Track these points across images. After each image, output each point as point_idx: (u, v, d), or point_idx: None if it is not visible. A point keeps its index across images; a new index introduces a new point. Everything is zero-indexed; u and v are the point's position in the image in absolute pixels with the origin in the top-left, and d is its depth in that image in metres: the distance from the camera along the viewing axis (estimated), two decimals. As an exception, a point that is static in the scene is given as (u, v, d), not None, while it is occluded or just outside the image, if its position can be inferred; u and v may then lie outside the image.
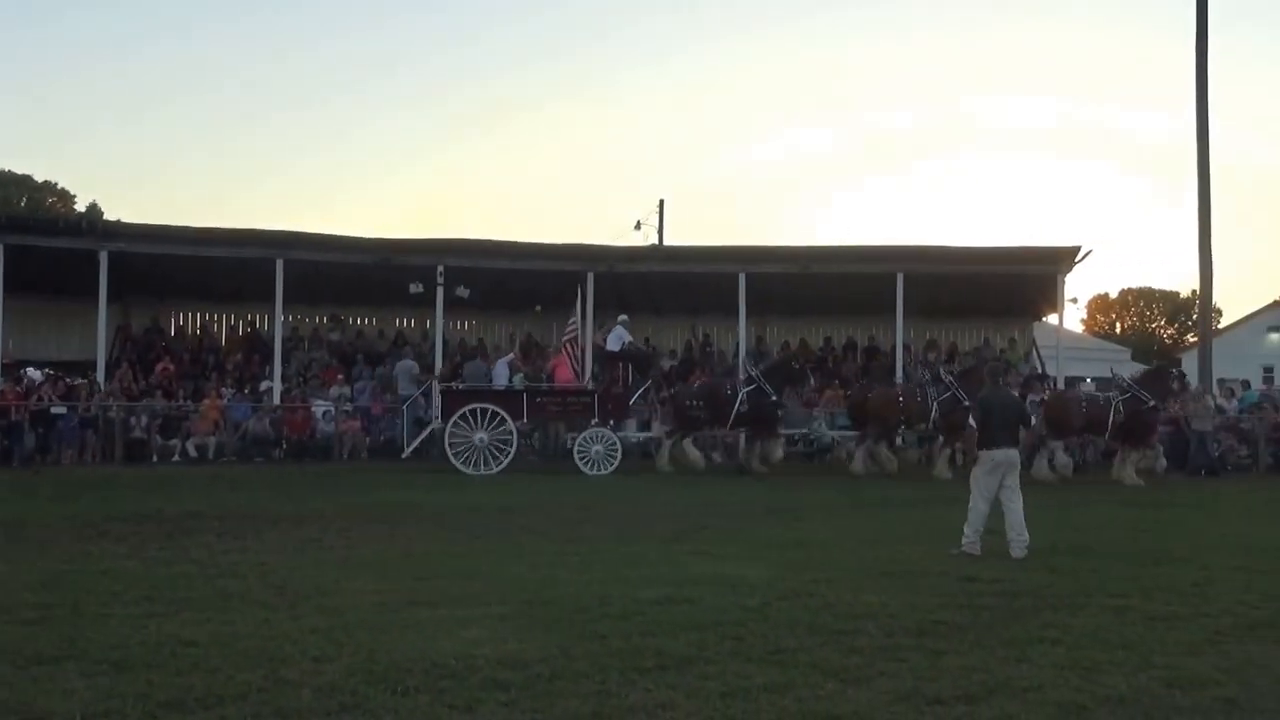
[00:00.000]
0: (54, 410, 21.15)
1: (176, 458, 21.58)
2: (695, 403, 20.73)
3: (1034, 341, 28.65)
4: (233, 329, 28.06)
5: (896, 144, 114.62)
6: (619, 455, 19.71)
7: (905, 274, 24.37)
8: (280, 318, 24.36)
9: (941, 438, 20.23)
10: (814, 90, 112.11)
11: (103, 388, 22.30)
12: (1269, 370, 43.97)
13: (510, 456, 19.42)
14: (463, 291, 24.15)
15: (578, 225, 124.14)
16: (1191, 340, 56.18)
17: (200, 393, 23.37)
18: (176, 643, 6.45)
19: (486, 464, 19.22)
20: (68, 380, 22.14)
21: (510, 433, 19.54)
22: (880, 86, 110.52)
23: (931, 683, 5.82)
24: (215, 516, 12.49)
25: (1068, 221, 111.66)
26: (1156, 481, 18.83)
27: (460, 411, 19.48)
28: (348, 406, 23.53)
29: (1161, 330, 79.54)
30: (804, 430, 22.96)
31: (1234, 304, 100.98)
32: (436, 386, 21.21)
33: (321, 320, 27.97)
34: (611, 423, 20.27)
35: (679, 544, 10.78)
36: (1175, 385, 20.50)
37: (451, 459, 19.21)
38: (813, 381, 22.40)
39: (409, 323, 28.29)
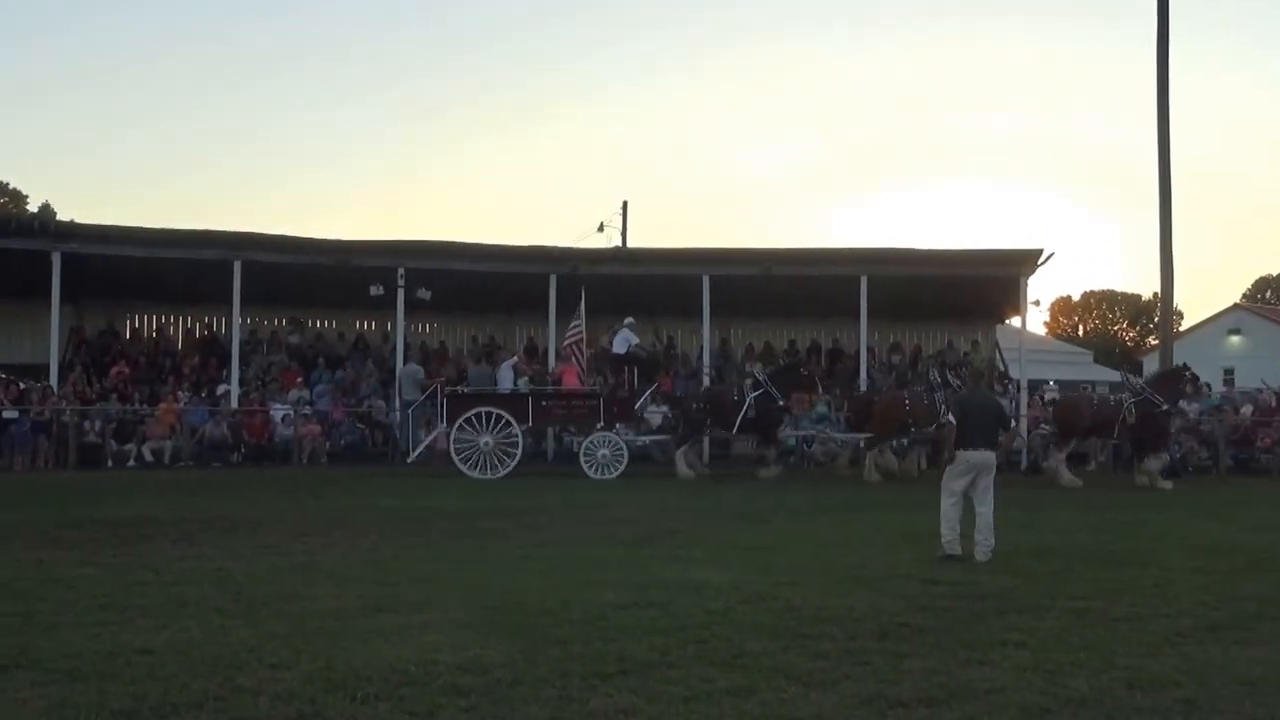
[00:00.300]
0: (5, 415, 20.83)
1: (132, 462, 21.32)
2: (702, 406, 20.63)
3: (997, 344, 28.84)
4: (189, 331, 27.75)
5: (866, 153, 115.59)
6: (625, 459, 19.60)
7: (869, 276, 24.46)
8: (238, 320, 24.12)
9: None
10: (784, 100, 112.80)
11: (56, 391, 21.98)
12: (1229, 372, 44.48)
13: (516, 460, 19.36)
14: (424, 294, 24.03)
15: (541, 228, 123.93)
16: (1153, 343, 56.90)
17: (156, 396, 23.09)
18: (131, 651, 6.35)
19: (493, 468, 19.14)
20: (20, 384, 21.83)
21: (515, 436, 19.47)
22: (851, 97, 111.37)
23: (894, 686, 5.81)
24: (171, 522, 12.32)
25: (1032, 226, 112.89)
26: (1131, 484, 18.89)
27: (465, 415, 19.39)
28: (307, 410, 23.32)
29: (1123, 333, 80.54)
30: None
31: (1195, 307, 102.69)
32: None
33: (280, 323, 27.70)
34: (618, 426, 20.17)
35: (644, 548, 10.75)
36: (1188, 388, 20.34)
37: (457, 463, 19.12)
38: (820, 388, 22.35)
39: (369, 325, 28.09)
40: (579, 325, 20.88)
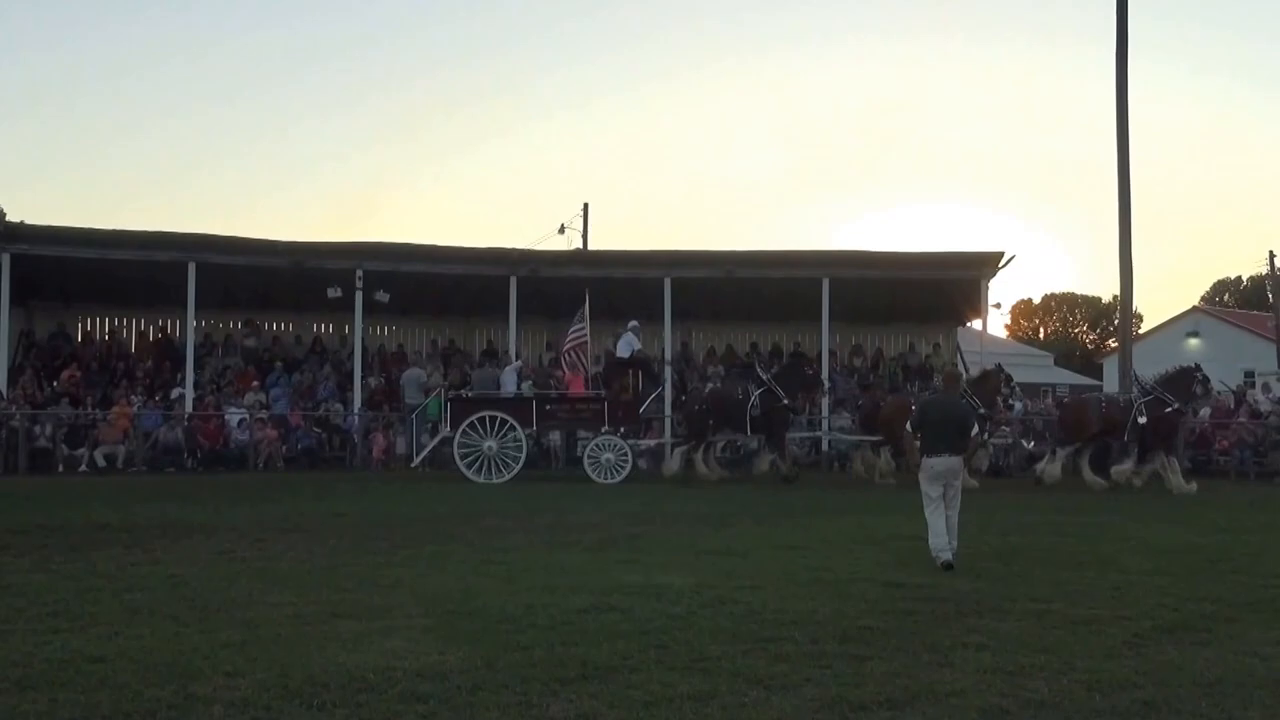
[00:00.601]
0: (-46, 419, 20.52)
1: (84, 467, 21.05)
2: (704, 408, 20.59)
3: (958, 346, 29.04)
4: (143, 334, 27.45)
5: (833, 162, 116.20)
6: (630, 464, 19.47)
7: (830, 279, 24.56)
8: (192, 323, 23.86)
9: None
10: (753, 111, 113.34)
11: (5, 395, 21.63)
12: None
13: (520, 464, 19.27)
14: (382, 296, 23.90)
15: (501, 231, 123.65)
16: (1113, 345, 57.53)
17: (109, 400, 22.79)
18: (83, 659, 6.22)
19: (498, 471, 18.99)
20: (-32, 388, 21.49)
21: (519, 440, 19.35)
22: (818, 108, 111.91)
23: (856, 689, 5.80)
24: (124, 528, 12.13)
25: (994, 229, 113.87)
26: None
27: (469, 419, 19.25)
28: (263, 414, 23.10)
29: (1084, 335, 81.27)
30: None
31: (1154, 309, 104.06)
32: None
33: (236, 325, 27.44)
34: (622, 430, 20.06)
35: (606, 552, 10.71)
36: (1199, 389, 20.19)
37: (461, 467, 19.01)
38: (826, 386, 22.30)
39: (327, 328, 27.87)
40: (583, 329, 20.68)
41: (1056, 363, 56.10)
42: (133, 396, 22.99)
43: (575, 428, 21.25)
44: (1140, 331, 53.81)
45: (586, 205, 40.61)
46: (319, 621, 7.29)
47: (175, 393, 23.39)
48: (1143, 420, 19.17)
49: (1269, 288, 54.42)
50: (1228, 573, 9.73)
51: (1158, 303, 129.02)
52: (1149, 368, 22.19)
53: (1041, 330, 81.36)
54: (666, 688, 5.75)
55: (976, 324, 28.36)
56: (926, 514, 10.01)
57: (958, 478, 10.16)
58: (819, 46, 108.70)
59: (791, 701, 5.58)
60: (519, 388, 21.20)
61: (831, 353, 26.17)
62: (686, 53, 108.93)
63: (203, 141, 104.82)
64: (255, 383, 24.24)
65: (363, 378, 24.41)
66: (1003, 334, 57.31)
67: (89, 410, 22.36)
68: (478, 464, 19.15)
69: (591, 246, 37.83)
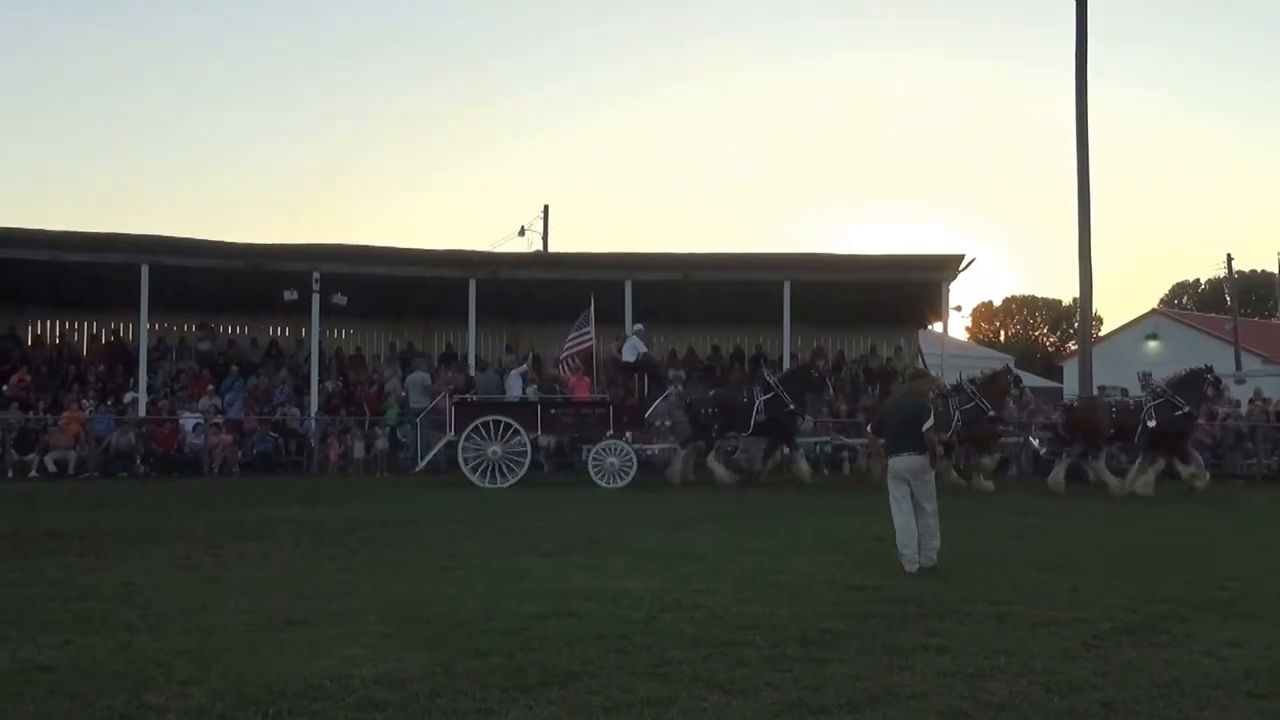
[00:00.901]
0: (-99, 424, 20.15)
1: (34, 473, 20.74)
2: (710, 411, 20.47)
3: (919, 349, 29.20)
4: (95, 338, 27.09)
5: (795, 168, 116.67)
6: (634, 468, 19.37)
7: (791, 282, 24.61)
8: (145, 326, 23.55)
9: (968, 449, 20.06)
10: (715, 116, 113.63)
11: (-46, 400, 21.28)
12: (1147, 377, 45.29)
13: (525, 468, 19.18)
14: (339, 299, 23.71)
15: (462, 232, 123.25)
16: (1073, 348, 58.09)
17: (59, 404, 22.45)
18: (33, 668, 6.13)
19: (502, 476, 18.89)
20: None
21: (524, 445, 19.25)
22: (782, 116, 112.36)
23: (816, 692, 5.80)
24: (75, 535, 11.95)
25: (954, 231, 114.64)
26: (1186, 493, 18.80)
27: (474, 424, 19.14)
28: (218, 419, 22.84)
29: (1044, 338, 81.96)
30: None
31: (1114, 312, 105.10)
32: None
33: (190, 329, 27.11)
34: (627, 434, 19.91)
35: (564, 557, 10.65)
36: (1210, 391, 20.07)
37: (465, 472, 18.90)
38: (831, 390, 22.18)
39: (283, 331, 27.63)
40: (587, 332, 20.55)
41: (1017, 365, 56.49)
42: (84, 401, 22.65)
43: (581, 432, 21.10)
44: (1100, 334, 54.28)
45: (547, 207, 40.57)
46: (274, 629, 7.21)
47: (128, 397, 23.08)
48: (1152, 424, 19.14)
49: (1227, 291, 55.16)
50: (1185, 574, 9.82)
51: (1117, 305, 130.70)
52: (1109, 370, 22.31)
53: (1002, 333, 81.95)
54: (626, 693, 5.74)
55: (937, 327, 28.55)
56: (894, 514, 10.01)
57: (921, 476, 10.07)
58: (787, 57, 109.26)
59: (751, 706, 5.57)
60: (524, 391, 21.09)
61: (793, 355, 26.21)
62: (653, 61, 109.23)
63: (188, 148, 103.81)
64: (210, 386, 23.98)
65: (320, 381, 24.20)
66: (964, 336, 57.76)
67: (39, 415, 22.03)
68: (482, 468, 19.03)
69: (552, 249, 37.78)
